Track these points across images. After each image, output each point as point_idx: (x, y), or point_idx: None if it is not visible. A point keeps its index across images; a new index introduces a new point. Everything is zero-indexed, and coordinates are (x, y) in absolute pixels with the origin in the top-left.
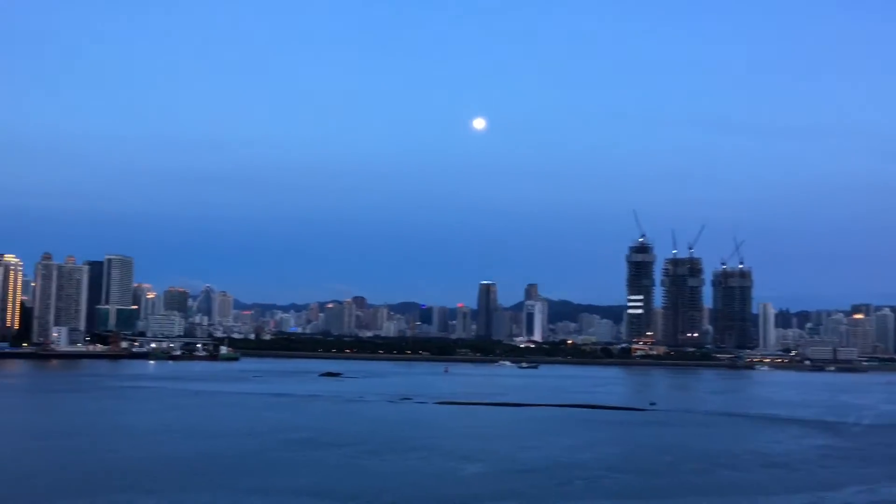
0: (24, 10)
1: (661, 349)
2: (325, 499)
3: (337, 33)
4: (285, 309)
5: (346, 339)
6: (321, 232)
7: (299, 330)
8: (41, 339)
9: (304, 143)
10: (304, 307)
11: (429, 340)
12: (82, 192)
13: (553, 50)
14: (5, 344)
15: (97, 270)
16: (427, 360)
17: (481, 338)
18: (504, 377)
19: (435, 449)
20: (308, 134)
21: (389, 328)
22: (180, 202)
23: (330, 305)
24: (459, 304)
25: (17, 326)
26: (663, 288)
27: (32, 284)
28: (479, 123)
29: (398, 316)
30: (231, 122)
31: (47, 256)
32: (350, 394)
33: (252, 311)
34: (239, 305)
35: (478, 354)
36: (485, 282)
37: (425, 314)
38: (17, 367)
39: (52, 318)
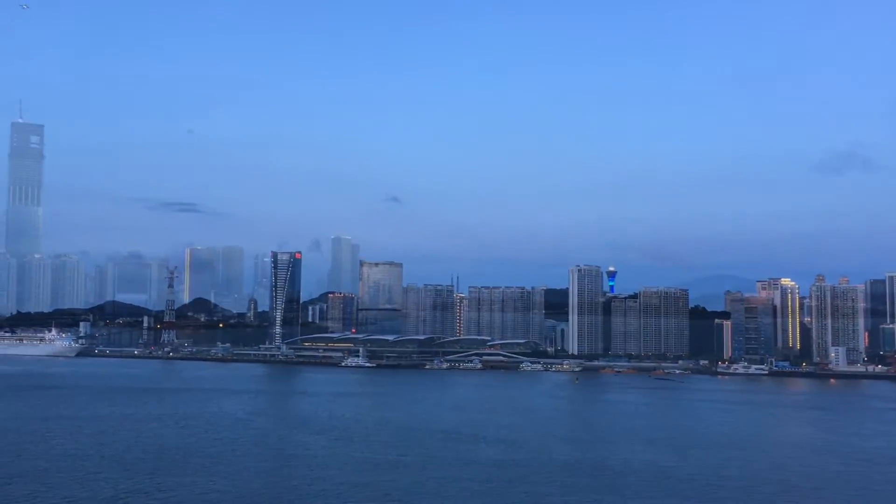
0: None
1: None
2: None
3: None
4: None
5: None
6: None
7: None
8: (819, 358)
9: None
10: None
11: None
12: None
13: None
14: (786, 363)
15: (879, 289)
16: None
17: None
18: None
19: None
20: None
21: None
22: None
23: None
24: None
25: (798, 347)
26: None
27: (808, 305)
28: None
29: None
30: None
31: (820, 278)
32: None
33: None
34: None
35: None
36: None
37: None
38: (797, 385)
39: (828, 338)
